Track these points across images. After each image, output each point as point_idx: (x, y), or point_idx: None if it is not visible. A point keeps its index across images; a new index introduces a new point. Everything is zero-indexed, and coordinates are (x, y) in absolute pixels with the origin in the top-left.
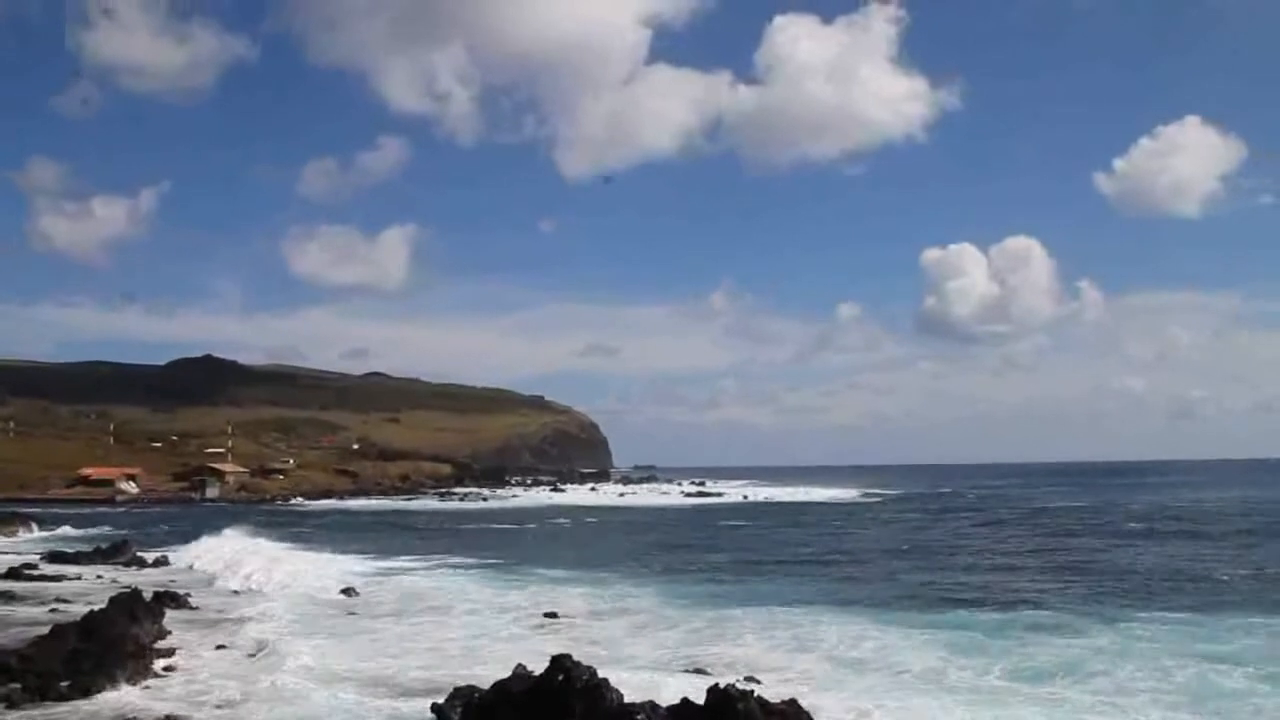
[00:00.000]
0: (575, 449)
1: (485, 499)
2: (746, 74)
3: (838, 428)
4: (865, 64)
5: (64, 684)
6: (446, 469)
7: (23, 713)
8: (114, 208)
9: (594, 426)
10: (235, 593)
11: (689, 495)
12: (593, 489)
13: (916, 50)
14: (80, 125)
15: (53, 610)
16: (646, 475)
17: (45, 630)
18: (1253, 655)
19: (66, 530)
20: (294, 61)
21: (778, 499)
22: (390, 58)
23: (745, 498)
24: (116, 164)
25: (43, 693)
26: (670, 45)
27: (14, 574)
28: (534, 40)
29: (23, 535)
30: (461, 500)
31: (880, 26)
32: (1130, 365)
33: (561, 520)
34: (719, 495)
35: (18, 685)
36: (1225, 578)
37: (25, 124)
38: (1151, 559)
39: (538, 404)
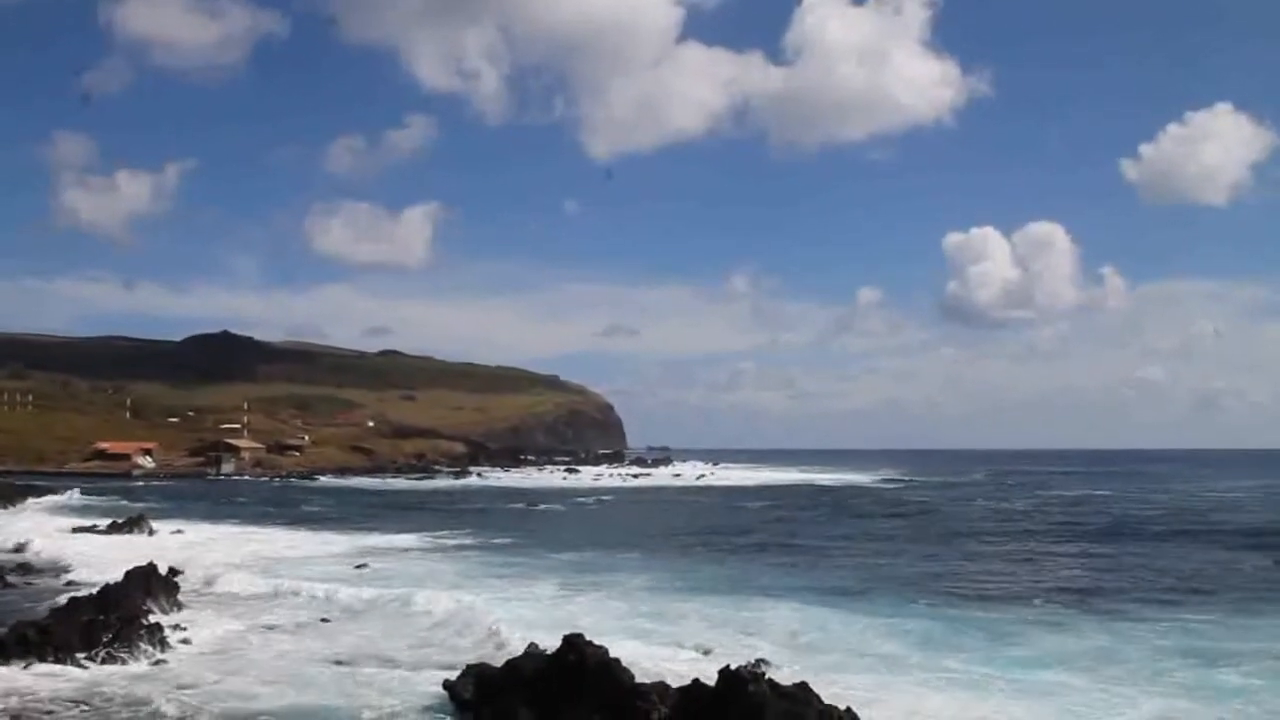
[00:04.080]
0: (590, 429)
1: (499, 479)
2: (777, 55)
3: (856, 412)
4: (896, 47)
5: (80, 655)
6: (461, 448)
7: (39, 681)
8: (139, 184)
9: (609, 407)
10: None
11: (703, 477)
12: (606, 469)
13: (948, 35)
14: (109, 100)
15: (69, 583)
16: (661, 457)
17: (62, 602)
18: (1260, 655)
19: (83, 502)
20: (325, 39)
21: (791, 482)
22: (421, 36)
23: (759, 482)
24: (144, 140)
25: (60, 665)
26: (702, 25)
27: (30, 547)
28: (566, 19)
29: (40, 507)
30: (478, 478)
31: (913, 9)
32: (1153, 354)
33: (578, 500)
34: (733, 478)
35: (34, 658)
36: (1248, 569)
37: (54, 98)
38: (1164, 552)
39: (553, 384)
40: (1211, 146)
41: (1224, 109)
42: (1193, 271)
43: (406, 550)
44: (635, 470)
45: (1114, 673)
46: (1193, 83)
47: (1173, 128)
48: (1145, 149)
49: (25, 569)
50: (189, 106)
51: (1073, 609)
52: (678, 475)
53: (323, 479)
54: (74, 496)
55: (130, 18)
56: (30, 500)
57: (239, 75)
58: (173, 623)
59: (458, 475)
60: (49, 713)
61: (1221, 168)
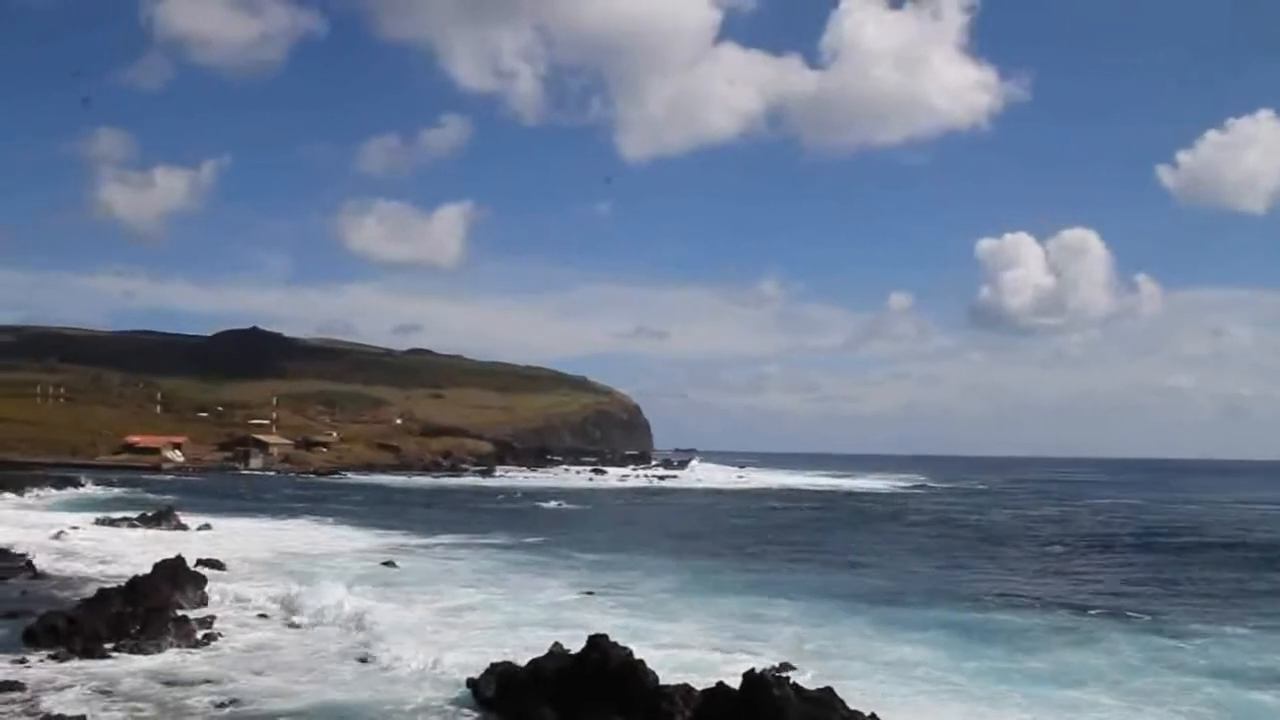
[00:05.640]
0: (617, 430)
1: (526, 478)
2: (814, 58)
3: (880, 417)
4: (933, 52)
5: (108, 646)
6: (488, 447)
7: (67, 671)
8: (173, 179)
9: (636, 409)
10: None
11: (731, 480)
12: (632, 470)
13: (986, 40)
14: (148, 96)
15: (98, 574)
16: (687, 459)
17: (91, 593)
18: None
19: (109, 495)
20: (363, 37)
21: (815, 487)
22: (458, 35)
23: (782, 485)
24: (181, 136)
25: (88, 655)
26: (740, 27)
27: (60, 537)
28: (603, 19)
29: (70, 499)
30: (504, 477)
31: (951, 14)
32: (1185, 362)
33: (603, 501)
34: (758, 482)
35: (63, 648)
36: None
37: (94, 94)
38: (1195, 565)
39: (581, 384)
40: (1252, 153)
41: (1265, 115)
42: (1227, 279)
43: (431, 548)
44: (661, 472)
45: (1140, 688)
46: (1235, 90)
47: (1212, 134)
48: (1183, 156)
49: (56, 559)
50: (225, 103)
51: (1098, 621)
52: (699, 481)
53: (350, 476)
54: (91, 488)
55: (171, 15)
56: (32, 490)
57: (276, 73)
58: (200, 616)
59: (484, 474)
60: (77, 702)
61: (1260, 174)
